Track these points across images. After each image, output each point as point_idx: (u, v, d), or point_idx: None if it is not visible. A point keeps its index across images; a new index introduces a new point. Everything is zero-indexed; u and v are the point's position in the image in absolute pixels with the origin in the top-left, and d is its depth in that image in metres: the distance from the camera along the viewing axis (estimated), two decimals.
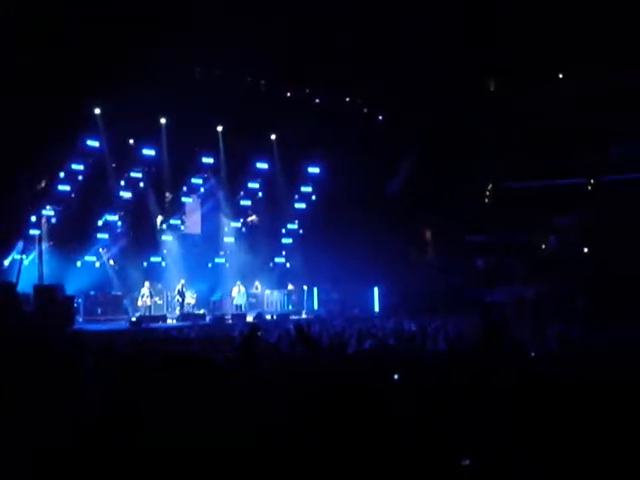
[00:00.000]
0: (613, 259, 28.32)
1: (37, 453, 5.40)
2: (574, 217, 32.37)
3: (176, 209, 29.91)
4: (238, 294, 28.62)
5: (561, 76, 31.35)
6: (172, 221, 29.52)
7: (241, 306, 28.33)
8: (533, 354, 11.90)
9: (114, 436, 5.85)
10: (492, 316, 15.21)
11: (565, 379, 7.76)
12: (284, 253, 33.00)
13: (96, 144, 26.82)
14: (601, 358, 10.92)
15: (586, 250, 31.00)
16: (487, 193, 34.42)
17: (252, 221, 32.51)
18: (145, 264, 28.65)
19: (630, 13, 25.59)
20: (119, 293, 27.29)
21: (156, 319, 25.28)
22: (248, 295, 30.07)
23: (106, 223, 27.86)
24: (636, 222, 29.06)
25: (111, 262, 27.94)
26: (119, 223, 28.16)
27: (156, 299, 27.09)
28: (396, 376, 7.74)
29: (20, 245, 25.13)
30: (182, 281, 27.26)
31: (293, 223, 33.03)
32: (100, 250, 27.81)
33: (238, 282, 28.62)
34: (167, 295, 27.84)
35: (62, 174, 26.41)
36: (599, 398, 6.45)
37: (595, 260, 29.31)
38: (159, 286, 27.78)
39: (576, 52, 28.85)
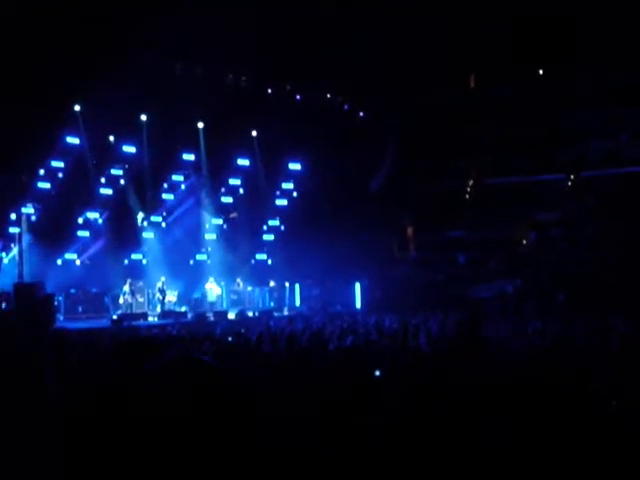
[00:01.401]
0: (593, 254, 28.53)
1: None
2: (555, 213, 32.56)
3: (157, 206, 29.78)
4: (210, 291, 28.69)
5: (541, 72, 31.52)
6: (153, 218, 29.38)
7: (214, 303, 28.23)
8: (510, 349, 12.01)
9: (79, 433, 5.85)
10: (468, 313, 15.33)
11: (541, 374, 7.83)
12: (266, 250, 32.95)
13: (76, 141, 26.70)
14: (580, 353, 11.01)
15: (567, 245, 31.15)
16: (468, 189, 34.55)
17: (233, 217, 32.42)
18: (126, 261, 28.51)
19: (614, 12, 25.79)
20: (100, 291, 27.17)
21: (137, 317, 25.18)
22: (229, 292, 30.07)
23: (86, 220, 27.71)
24: (616, 217, 29.30)
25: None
26: (100, 220, 27.99)
27: (137, 297, 26.98)
28: (377, 372, 7.76)
29: None
30: (162, 278, 27.17)
31: (274, 219, 32.99)
32: None
33: (211, 279, 28.46)
34: (148, 293, 27.72)
35: (42, 171, 26.28)
36: (576, 394, 6.51)
37: (575, 255, 29.48)
38: (140, 283, 27.64)
39: (557, 49, 29.04)
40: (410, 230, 35.42)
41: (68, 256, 27.12)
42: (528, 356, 11.40)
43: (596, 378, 7.83)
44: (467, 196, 34.57)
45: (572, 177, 32.45)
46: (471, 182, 34.41)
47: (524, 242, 33.82)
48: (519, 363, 10.19)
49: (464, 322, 14.16)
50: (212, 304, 28.08)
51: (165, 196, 30.10)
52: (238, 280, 30.86)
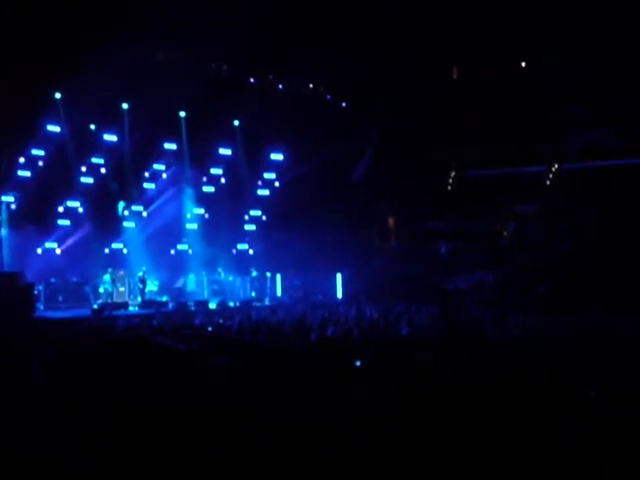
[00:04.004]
0: (573, 247, 28.73)
1: None
2: (535, 205, 32.72)
3: (138, 195, 29.65)
4: (189, 281, 28.95)
5: (524, 65, 31.60)
6: (134, 207, 29.27)
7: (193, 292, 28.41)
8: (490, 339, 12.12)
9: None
10: (450, 304, 15.44)
11: (519, 363, 7.92)
12: (247, 239, 32.92)
13: (57, 129, 26.55)
14: (556, 347, 11.12)
15: (547, 238, 31.30)
16: (450, 181, 34.64)
17: None
18: (107, 251, 28.37)
19: (593, 8, 25.91)
20: (81, 280, 27.07)
21: (118, 306, 25.12)
22: (210, 281, 30.10)
23: (67, 209, 27.53)
24: (594, 210, 29.53)
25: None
26: (80, 209, 27.84)
27: (118, 286, 26.91)
28: (358, 363, 7.81)
29: None
30: (143, 268, 27.13)
31: (256, 209, 32.94)
32: None
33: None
34: (129, 282, 27.64)
35: (22, 160, 26.09)
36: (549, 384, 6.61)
37: (555, 248, 29.66)
38: (121, 273, 27.56)
39: (539, 42, 29.14)
40: (391, 221, 35.48)
41: (48, 245, 26.95)
42: (507, 346, 11.51)
43: (574, 368, 7.93)
44: (448, 187, 34.66)
45: (552, 169, 32.60)
46: (452, 174, 34.50)
47: (504, 234, 33.96)
48: (499, 354, 10.30)
49: (443, 311, 14.26)
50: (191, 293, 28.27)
51: (146, 185, 29.95)
52: (219, 270, 30.81)
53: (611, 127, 30.94)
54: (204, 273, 29.97)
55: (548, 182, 32.60)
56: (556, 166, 32.42)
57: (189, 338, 12.58)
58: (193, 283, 29.94)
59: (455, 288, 28.48)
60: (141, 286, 26.88)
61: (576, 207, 30.42)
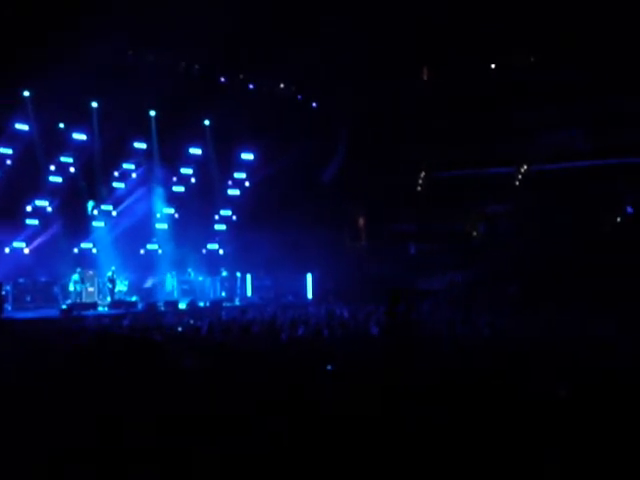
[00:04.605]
0: (543, 247, 29.00)
1: None
2: (504, 205, 33.00)
3: (108, 195, 29.45)
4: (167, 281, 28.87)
5: (493, 66, 31.85)
6: (103, 207, 29.08)
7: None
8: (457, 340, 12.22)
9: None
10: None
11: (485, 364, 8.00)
12: (217, 239, 32.85)
13: (25, 128, 26.30)
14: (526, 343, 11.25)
15: (516, 238, 31.56)
16: (420, 181, 34.82)
17: None
18: (76, 250, 28.16)
19: (563, 9, 26.19)
20: (49, 280, 26.84)
21: (87, 307, 24.96)
22: (180, 282, 30.01)
23: (35, 209, 27.27)
24: (564, 210, 29.86)
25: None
26: (49, 209, 27.59)
27: (87, 286, 26.74)
28: (329, 367, 7.84)
29: None
30: (112, 268, 26.98)
31: (226, 209, 32.89)
32: None
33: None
34: (98, 282, 27.47)
35: None
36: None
37: (525, 248, 29.90)
38: (90, 273, 27.39)
39: (509, 42, 29.41)
40: (362, 221, 35.61)
41: (16, 244, 26.67)
42: (475, 347, 11.61)
43: (541, 367, 8.01)
44: (418, 188, 34.83)
45: (521, 170, 32.89)
46: (422, 174, 34.68)
47: (474, 234, 34.21)
48: (467, 354, 10.38)
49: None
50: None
51: (116, 185, 29.75)
52: (189, 270, 30.72)
53: (579, 128, 31.29)
54: (174, 273, 29.86)
55: (517, 183, 32.88)
56: (525, 167, 32.71)
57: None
58: (170, 283, 29.82)
59: (424, 289, 28.61)
60: (110, 286, 26.72)
61: (545, 207, 30.73)
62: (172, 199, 31.31)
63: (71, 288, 25.90)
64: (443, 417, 5.76)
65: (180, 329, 16.21)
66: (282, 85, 31.97)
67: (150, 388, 6.88)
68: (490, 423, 5.71)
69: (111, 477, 5.09)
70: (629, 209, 30.41)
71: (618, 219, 30.87)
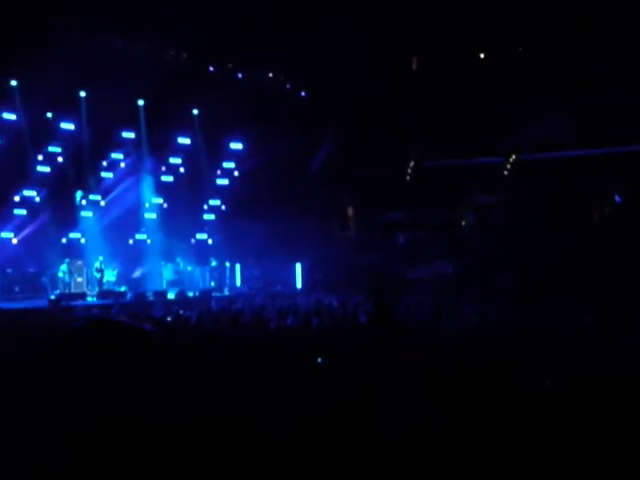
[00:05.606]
0: (532, 237, 29.08)
1: None
2: (493, 195, 33.04)
3: (96, 184, 29.36)
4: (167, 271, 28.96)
5: (482, 56, 31.84)
6: (92, 197, 28.99)
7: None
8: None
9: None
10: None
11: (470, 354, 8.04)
12: (206, 229, 32.82)
13: (13, 117, 26.19)
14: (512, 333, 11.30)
15: (504, 227, 31.63)
16: (409, 171, 34.80)
17: None
18: (64, 240, 28.07)
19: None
20: (38, 270, 26.75)
21: (76, 297, 24.91)
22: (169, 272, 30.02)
23: (23, 198, 27.16)
24: (551, 200, 29.96)
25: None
26: (37, 199, 27.48)
27: (76, 276, 26.66)
28: (319, 359, 7.86)
29: None
30: (100, 258, 26.89)
31: (215, 199, 32.84)
32: None
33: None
34: (87, 272, 27.40)
35: None
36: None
37: (515, 238, 29.97)
38: (79, 263, 27.31)
39: (497, 34, 29.42)
40: (350, 211, 35.60)
41: (4, 235, 26.57)
42: (460, 337, 11.66)
43: (528, 357, 8.06)
44: (408, 178, 34.82)
45: (510, 160, 32.93)
46: (412, 164, 34.66)
47: (463, 224, 34.24)
48: (450, 344, 10.44)
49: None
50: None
51: (104, 174, 29.66)
52: (178, 260, 30.66)
53: (567, 119, 31.34)
54: (162, 263, 29.80)
55: (506, 172, 32.92)
56: (514, 157, 32.75)
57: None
58: (170, 272, 29.80)
59: (413, 278, 28.66)
60: (98, 276, 26.64)
61: (534, 197, 30.81)
62: (161, 189, 31.24)
63: (60, 274, 25.79)
64: (431, 411, 5.79)
65: (169, 319, 16.22)
66: (271, 74, 31.90)
67: (138, 377, 6.88)
68: (476, 414, 5.74)
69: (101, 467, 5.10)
70: (617, 199, 30.52)
71: (607, 209, 30.99)
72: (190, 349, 9.02)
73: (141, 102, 29.48)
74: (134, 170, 30.34)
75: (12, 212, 26.82)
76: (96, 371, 6.65)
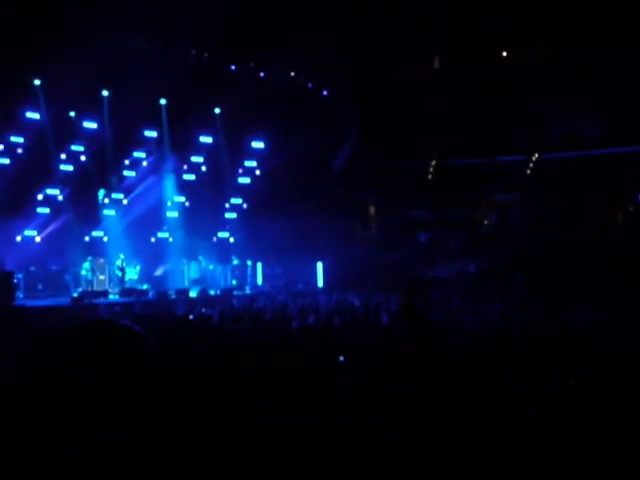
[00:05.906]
0: (554, 236, 28.90)
1: None
2: (515, 194, 32.91)
3: (118, 183, 29.49)
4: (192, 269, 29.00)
5: (505, 54, 31.69)
6: (114, 195, 29.13)
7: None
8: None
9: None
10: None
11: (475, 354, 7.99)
12: (228, 228, 32.88)
13: (36, 116, 26.34)
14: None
15: (526, 226, 31.49)
16: (430, 169, 34.73)
17: None
18: (87, 239, 28.22)
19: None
20: (60, 268, 26.90)
21: (98, 295, 25.03)
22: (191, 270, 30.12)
23: (47, 197, 27.33)
24: (573, 199, 29.75)
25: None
26: (60, 197, 27.65)
27: (98, 274, 26.79)
28: (341, 358, 7.83)
29: None
30: (122, 256, 26.99)
31: (237, 197, 32.90)
32: None
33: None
34: (109, 270, 27.53)
35: (1, 147, 25.86)
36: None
37: (536, 237, 29.82)
38: (101, 261, 27.44)
39: (521, 31, 29.28)
40: (372, 209, 35.58)
41: (28, 233, 26.75)
42: (482, 334, 11.61)
43: (550, 356, 7.99)
44: (429, 176, 34.76)
45: (533, 159, 32.78)
46: (433, 162, 34.60)
47: (485, 222, 34.14)
48: (473, 340, 10.38)
49: (407, 302, 14.36)
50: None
51: (127, 173, 29.81)
52: (200, 258, 30.73)
53: (592, 117, 31.15)
54: (184, 261, 29.89)
55: (529, 171, 32.77)
56: (536, 155, 32.59)
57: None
58: (195, 271, 29.94)
59: (435, 277, 28.60)
60: (120, 274, 26.76)
61: (557, 196, 30.62)
62: (183, 187, 31.33)
63: (84, 272, 25.93)
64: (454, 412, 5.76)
65: (191, 317, 16.27)
66: (292, 73, 31.90)
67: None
68: (497, 416, 5.70)
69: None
70: None
71: (630, 208, 30.77)
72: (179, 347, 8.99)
73: (163, 101, 29.56)
74: (156, 169, 30.45)
75: (35, 210, 26.99)
76: (84, 373, 6.64)
